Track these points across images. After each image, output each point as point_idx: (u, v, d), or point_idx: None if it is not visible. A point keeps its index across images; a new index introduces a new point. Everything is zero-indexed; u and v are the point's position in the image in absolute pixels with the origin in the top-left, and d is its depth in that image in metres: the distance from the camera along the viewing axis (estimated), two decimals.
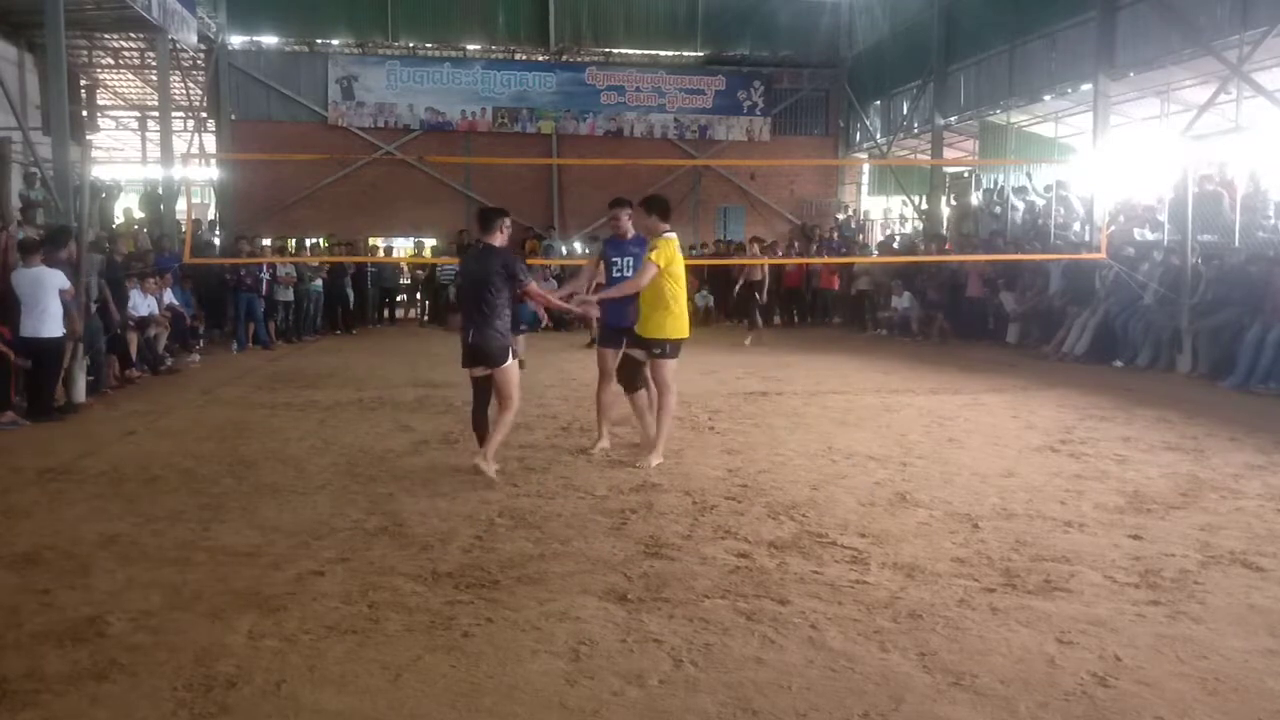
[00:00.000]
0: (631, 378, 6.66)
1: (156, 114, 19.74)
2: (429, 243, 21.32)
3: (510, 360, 6.12)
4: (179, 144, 18.66)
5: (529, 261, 14.99)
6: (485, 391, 6.25)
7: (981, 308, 15.23)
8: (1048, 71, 15.54)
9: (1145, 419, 8.06)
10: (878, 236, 21.53)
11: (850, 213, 22.90)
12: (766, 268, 15.28)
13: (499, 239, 6.18)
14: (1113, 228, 13.33)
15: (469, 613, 3.76)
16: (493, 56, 21.53)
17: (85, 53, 19.36)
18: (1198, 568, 4.29)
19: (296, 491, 5.70)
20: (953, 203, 19.03)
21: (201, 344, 12.96)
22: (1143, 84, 14.39)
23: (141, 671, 3.24)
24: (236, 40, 20.59)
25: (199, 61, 20.44)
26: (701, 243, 21.33)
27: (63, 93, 11.04)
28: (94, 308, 9.63)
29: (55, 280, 8.29)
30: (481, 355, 6.08)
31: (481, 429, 6.27)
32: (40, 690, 3.11)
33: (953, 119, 18.55)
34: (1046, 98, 16.00)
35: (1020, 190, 17.08)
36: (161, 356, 11.40)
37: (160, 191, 17.97)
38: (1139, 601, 3.88)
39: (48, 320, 8.20)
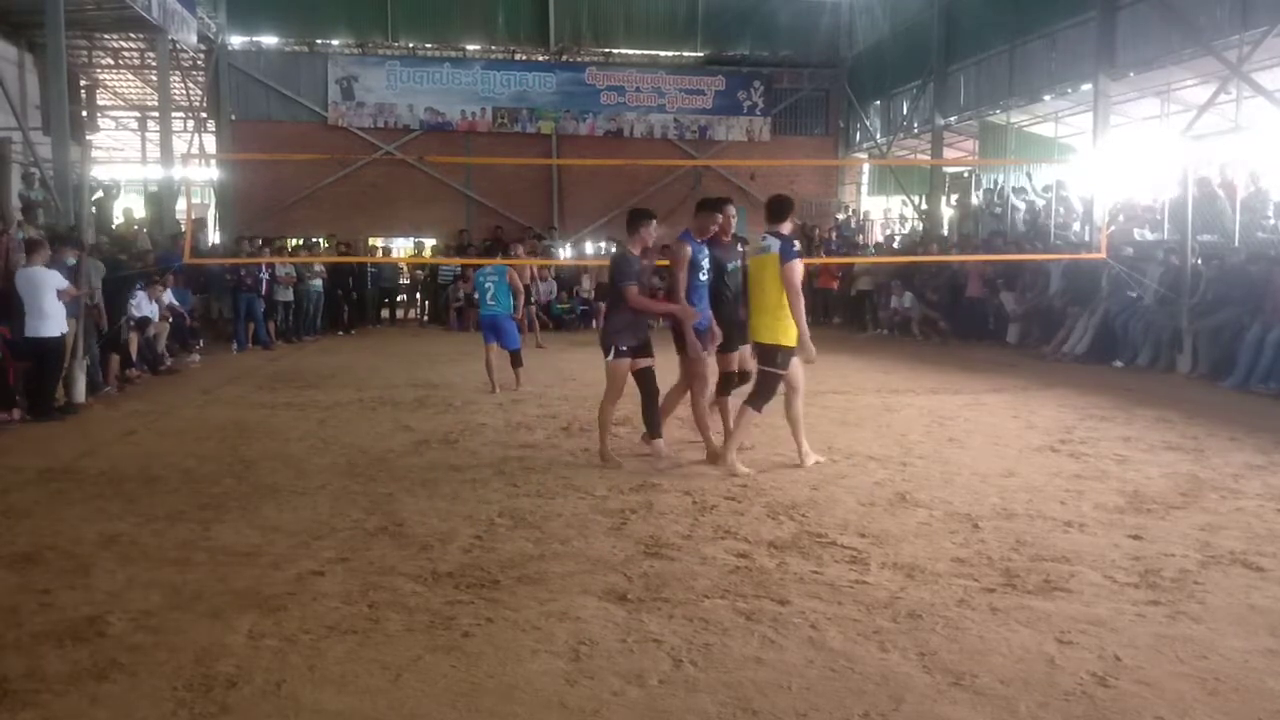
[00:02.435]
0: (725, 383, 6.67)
1: (156, 114, 19.74)
2: (429, 243, 21.31)
3: (611, 356, 6.38)
4: (179, 144, 18.67)
5: (529, 262, 14.99)
6: (643, 382, 6.42)
7: (982, 308, 15.22)
8: (1048, 71, 15.52)
9: (1145, 419, 8.05)
10: (877, 236, 21.51)
11: (850, 213, 22.88)
12: None
13: (634, 243, 6.45)
14: (1113, 228, 13.32)
15: (469, 613, 3.76)
16: (493, 56, 21.51)
17: (85, 53, 19.36)
18: (1198, 568, 4.29)
19: (296, 491, 5.70)
20: (954, 204, 19.02)
21: (201, 344, 12.96)
22: (1143, 84, 14.38)
23: (141, 671, 3.24)
24: (236, 40, 20.58)
25: (199, 61, 20.44)
26: None
27: (63, 93, 11.06)
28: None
29: (53, 280, 8.30)
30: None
31: (655, 415, 6.52)
32: (40, 690, 3.11)
33: (953, 119, 18.54)
34: (1046, 98, 15.98)
35: (1020, 190, 17.07)
36: (161, 356, 11.40)
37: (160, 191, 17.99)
38: (1139, 601, 3.88)
39: (48, 320, 8.21)
